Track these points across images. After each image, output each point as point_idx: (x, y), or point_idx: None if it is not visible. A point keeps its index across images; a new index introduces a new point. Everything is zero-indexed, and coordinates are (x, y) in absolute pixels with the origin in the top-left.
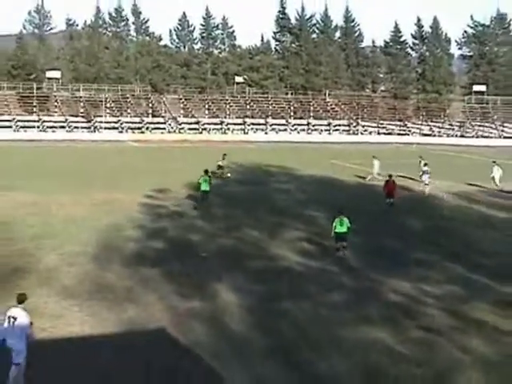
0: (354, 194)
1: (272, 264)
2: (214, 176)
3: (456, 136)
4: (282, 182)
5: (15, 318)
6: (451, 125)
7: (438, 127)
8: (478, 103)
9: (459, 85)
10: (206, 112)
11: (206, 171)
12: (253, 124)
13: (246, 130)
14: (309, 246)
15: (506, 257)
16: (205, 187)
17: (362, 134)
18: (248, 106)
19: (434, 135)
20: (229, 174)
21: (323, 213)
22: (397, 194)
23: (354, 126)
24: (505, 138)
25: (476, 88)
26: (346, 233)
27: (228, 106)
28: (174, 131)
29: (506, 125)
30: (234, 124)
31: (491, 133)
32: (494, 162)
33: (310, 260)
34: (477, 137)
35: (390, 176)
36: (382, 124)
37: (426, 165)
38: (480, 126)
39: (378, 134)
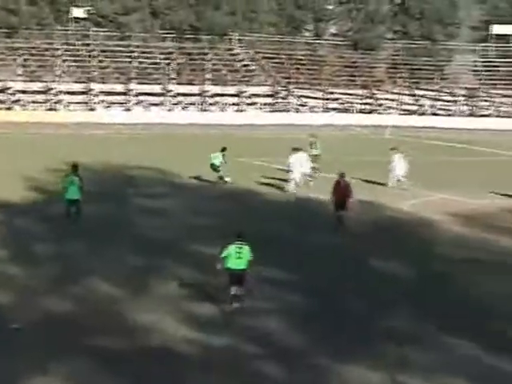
0: (278, 213)
1: (135, 342)
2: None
3: (462, 114)
4: (155, 195)
5: None
6: (453, 94)
7: (431, 99)
8: (499, 56)
9: (467, 24)
10: (20, 71)
11: (75, 166)
12: (104, 93)
13: (92, 105)
14: (202, 306)
15: None
16: (71, 195)
17: (296, 110)
18: (95, 62)
19: (424, 113)
20: (228, 179)
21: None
22: (351, 204)
23: (283, 98)
24: None
25: (497, 29)
26: (245, 270)
27: (59, 62)
28: None
29: None
30: (70, 93)
31: None
32: (393, 149)
33: (204, 333)
34: (497, 115)
35: (342, 175)
36: (330, 93)
37: (312, 147)
38: (505, 96)
39: (325, 110)
